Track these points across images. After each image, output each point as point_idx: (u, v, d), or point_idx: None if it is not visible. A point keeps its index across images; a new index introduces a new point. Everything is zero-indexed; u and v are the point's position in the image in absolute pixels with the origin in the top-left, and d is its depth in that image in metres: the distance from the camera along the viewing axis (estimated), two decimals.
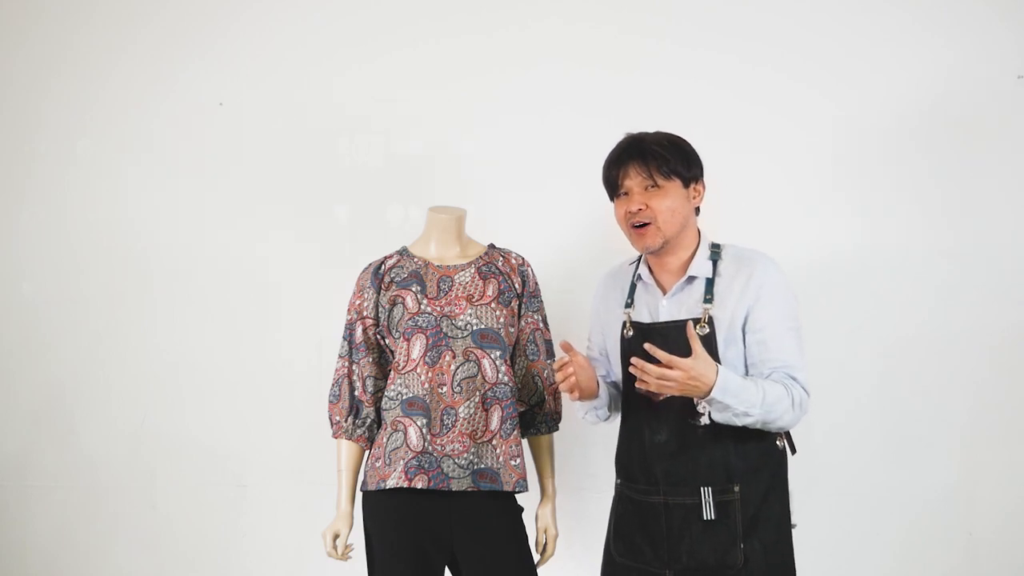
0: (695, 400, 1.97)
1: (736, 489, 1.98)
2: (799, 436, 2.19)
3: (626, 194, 2.08)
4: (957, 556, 2.62)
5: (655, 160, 2.05)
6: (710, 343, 2.00)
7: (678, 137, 2.12)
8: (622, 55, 2.79)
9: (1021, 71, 2.64)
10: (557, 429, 2.35)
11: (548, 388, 2.32)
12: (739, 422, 1.94)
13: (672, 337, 2.03)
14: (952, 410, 2.62)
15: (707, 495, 1.99)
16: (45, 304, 3.04)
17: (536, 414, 2.32)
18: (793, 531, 2.08)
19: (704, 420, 1.98)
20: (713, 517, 1.98)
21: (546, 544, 2.29)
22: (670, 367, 1.85)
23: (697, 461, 2.00)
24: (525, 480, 2.19)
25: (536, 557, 2.27)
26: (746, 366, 2.04)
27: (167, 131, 3.00)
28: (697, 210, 2.14)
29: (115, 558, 2.98)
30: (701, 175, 2.12)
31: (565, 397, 2.36)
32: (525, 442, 2.34)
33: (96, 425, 2.99)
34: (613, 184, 2.11)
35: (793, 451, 2.12)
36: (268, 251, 2.94)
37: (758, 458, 2.02)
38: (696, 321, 2.02)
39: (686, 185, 2.09)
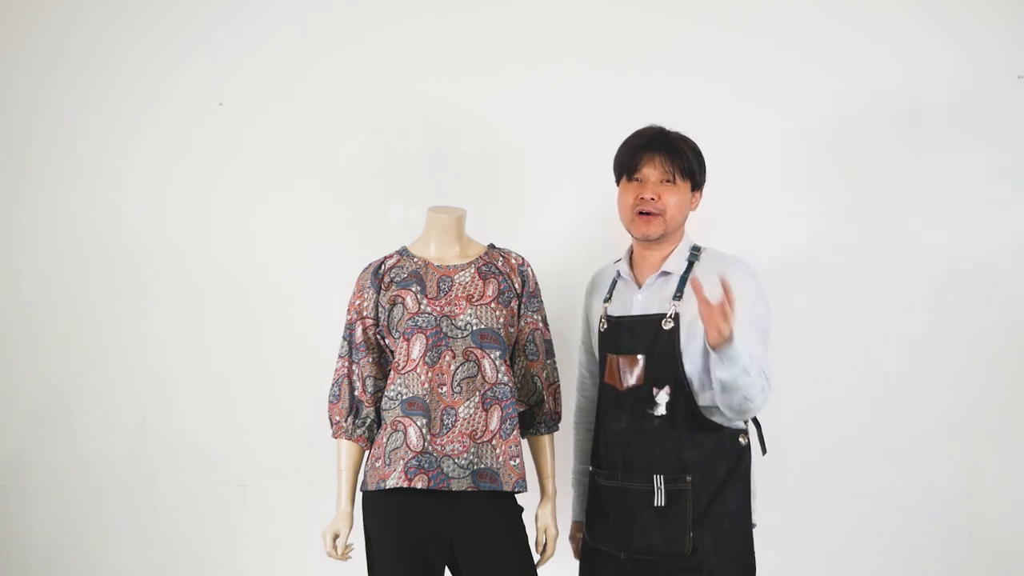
0: (653, 391, 2.06)
1: (688, 479, 2.04)
2: (801, 436, 2.20)
3: (639, 181, 2.14)
4: (957, 556, 2.62)
5: (680, 158, 2.13)
6: (673, 337, 2.07)
7: (695, 142, 2.19)
8: (623, 55, 2.79)
9: (1021, 71, 2.64)
10: (557, 429, 2.35)
11: (548, 388, 2.32)
12: (741, 381, 1.92)
13: (639, 331, 2.12)
14: (952, 410, 2.63)
15: (659, 482, 2.06)
16: (45, 304, 3.03)
17: (536, 414, 2.32)
18: (783, 525, 2.11)
19: (659, 411, 2.07)
20: (663, 504, 2.05)
21: (546, 544, 2.29)
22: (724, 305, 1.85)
23: (651, 449, 2.08)
24: (525, 480, 2.19)
25: (536, 557, 2.27)
26: (708, 362, 2.05)
27: (167, 131, 3.00)
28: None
29: (115, 558, 2.97)
30: (704, 184, 2.21)
31: (565, 398, 2.37)
32: (525, 442, 2.34)
33: (96, 425, 2.99)
34: (630, 169, 2.16)
35: (764, 451, 2.16)
36: (268, 251, 2.93)
37: (713, 451, 2.07)
38: (663, 316, 2.09)
39: (693, 189, 2.18)
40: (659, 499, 2.05)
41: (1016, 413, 2.61)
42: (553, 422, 2.34)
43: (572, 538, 2.39)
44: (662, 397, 2.07)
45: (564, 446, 2.45)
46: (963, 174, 2.65)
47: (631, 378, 2.11)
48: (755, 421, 2.16)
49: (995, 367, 2.61)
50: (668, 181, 2.13)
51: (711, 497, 2.05)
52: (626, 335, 2.13)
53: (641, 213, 2.13)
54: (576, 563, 2.33)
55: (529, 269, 2.33)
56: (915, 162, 2.67)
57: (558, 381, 2.35)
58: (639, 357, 2.10)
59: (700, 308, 1.88)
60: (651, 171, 2.14)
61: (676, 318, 2.08)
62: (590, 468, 2.27)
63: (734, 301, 1.85)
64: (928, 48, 2.68)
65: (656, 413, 2.07)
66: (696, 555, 2.03)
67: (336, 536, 2.24)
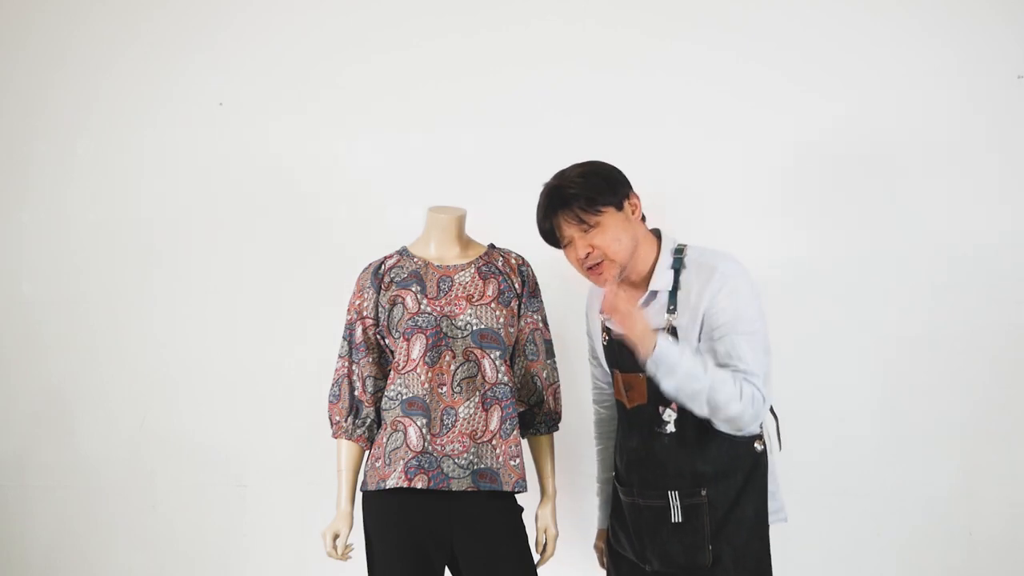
0: (660, 409, 2.03)
1: (703, 493, 2.02)
2: (800, 437, 2.19)
3: (569, 243, 2.08)
4: (957, 556, 2.62)
5: (578, 203, 2.03)
6: None
7: (591, 165, 2.09)
8: (623, 55, 2.79)
9: (1021, 71, 2.64)
10: (557, 429, 2.35)
11: (548, 388, 2.32)
12: (688, 388, 1.91)
13: None
14: (952, 410, 2.63)
15: (674, 499, 2.04)
16: (45, 304, 3.04)
17: (535, 414, 2.32)
18: (784, 525, 2.09)
19: (669, 428, 2.03)
20: (681, 520, 2.03)
21: (546, 544, 2.29)
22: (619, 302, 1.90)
23: (664, 467, 2.05)
24: (525, 480, 2.19)
25: (536, 557, 2.27)
26: None
27: (167, 131, 3.01)
28: (643, 218, 2.11)
29: (115, 558, 2.98)
30: (630, 189, 2.09)
31: (565, 398, 2.37)
32: (525, 442, 2.34)
33: (96, 425, 3.00)
34: (552, 236, 2.11)
35: (779, 447, 2.13)
36: (267, 251, 2.94)
37: (728, 462, 2.03)
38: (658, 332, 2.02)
39: (620, 208, 2.06)
40: (676, 515, 2.03)
41: (1016, 413, 2.61)
42: (553, 422, 2.33)
43: (596, 547, 2.37)
44: (669, 415, 2.03)
45: (564, 446, 2.45)
46: (963, 174, 2.65)
47: (636, 396, 2.08)
48: (772, 413, 2.11)
49: (995, 367, 2.61)
50: (588, 228, 2.03)
51: (728, 508, 2.02)
52: (627, 352, 2.05)
53: (589, 268, 2.06)
54: (580, 568, 2.33)
55: (529, 269, 2.33)
56: (915, 162, 2.67)
57: (558, 381, 2.35)
58: (641, 375, 2.04)
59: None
60: (568, 229, 2.05)
61: (674, 332, 2.02)
62: (613, 475, 2.24)
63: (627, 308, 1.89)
64: (928, 48, 2.68)
65: (666, 431, 2.04)
66: (716, 567, 2.00)
67: (336, 536, 2.24)
